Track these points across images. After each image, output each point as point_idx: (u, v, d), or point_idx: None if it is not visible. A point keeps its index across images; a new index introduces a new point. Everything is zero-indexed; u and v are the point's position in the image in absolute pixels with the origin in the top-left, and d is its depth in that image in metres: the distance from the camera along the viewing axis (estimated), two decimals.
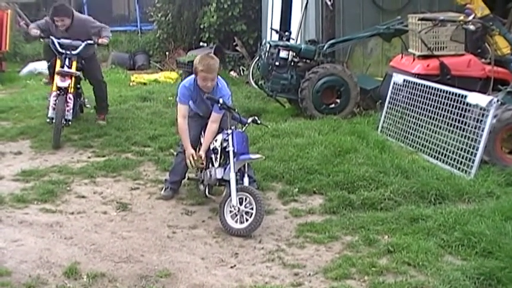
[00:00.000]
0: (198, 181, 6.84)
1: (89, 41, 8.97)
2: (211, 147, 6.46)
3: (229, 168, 6.08)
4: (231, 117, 6.40)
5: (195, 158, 6.40)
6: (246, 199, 5.93)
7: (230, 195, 5.98)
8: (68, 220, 6.13)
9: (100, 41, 9.06)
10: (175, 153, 7.09)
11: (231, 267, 5.25)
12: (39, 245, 5.50)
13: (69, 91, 8.63)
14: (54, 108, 8.52)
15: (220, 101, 6.29)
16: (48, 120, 8.66)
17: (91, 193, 6.92)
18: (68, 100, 8.59)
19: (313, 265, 5.24)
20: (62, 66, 8.67)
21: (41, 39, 9.48)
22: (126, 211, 6.45)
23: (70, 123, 8.71)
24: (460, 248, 5.36)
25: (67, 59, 8.72)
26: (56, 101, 8.54)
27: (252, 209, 5.85)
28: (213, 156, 6.43)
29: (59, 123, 8.39)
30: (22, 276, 4.91)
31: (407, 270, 5.01)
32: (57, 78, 8.60)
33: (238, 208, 5.91)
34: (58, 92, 8.57)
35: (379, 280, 4.88)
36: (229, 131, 6.25)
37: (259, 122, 6.87)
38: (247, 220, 5.85)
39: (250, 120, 6.68)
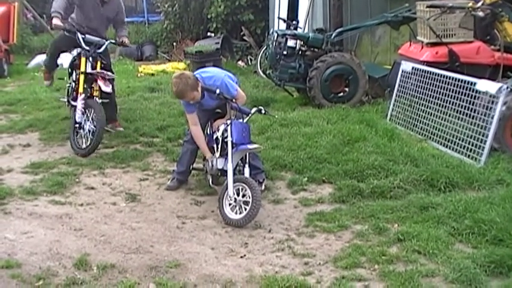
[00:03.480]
0: (202, 171, 6.85)
1: (112, 41, 8.67)
2: (214, 137, 6.46)
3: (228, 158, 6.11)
4: (229, 107, 6.39)
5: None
6: (242, 189, 5.92)
7: (227, 186, 6.00)
8: (78, 212, 6.14)
9: (123, 40, 8.74)
10: (182, 143, 7.06)
11: (241, 257, 5.25)
12: (49, 236, 5.51)
13: (95, 94, 8.09)
14: (83, 113, 7.92)
15: (217, 91, 6.27)
16: (76, 125, 7.94)
17: (100, 184, 6.92)
18: (97, 103, 8.04)
19: (323, 254, 5.23)
20: (89, 67, 8.07)
21: (65, 32, 8.40)
22: (135, 202, 6.45)
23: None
24: (471, 236, 5.34)
25: (91, 58, 8.14)
26: (84, 104, 7.95)
27: (249, 198, 5.85)
28: (214, 145, 6.43)
29: (102, 127, 7.78)
30: (32, 268, 4.91)
31: (417, 259, 5.00)
32: (99, 81, 8.01)
33: (235, 199, 5.91)
34: (85, 94, 8.00)
35: (389, 269, 4.86)
36: (229, 121, 6.24)
37: (263, 111, 6.72)
38: (245, 210, 5.85)
39: (253, 110, 6.62)
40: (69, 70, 8.62)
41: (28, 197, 6.43)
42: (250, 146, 6.22)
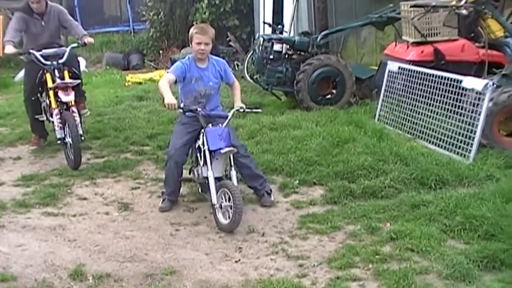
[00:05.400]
0: (190, 181, 6.82)
1: (73, 45, 8.47)
2: (196, 146, 6.41)
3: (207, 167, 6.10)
4: (201, 116, 6.26)
5: (172, 107, 6.17)
6: (226, 194, 5.89)
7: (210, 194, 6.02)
8: (71, 222, 6.15)
9: (87, 40, 8.47)
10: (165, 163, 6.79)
11: (236, 261, 5.27)
12: (43, 248, 5.52)
13: (71, 104, 7.93)
14: (61, 128, 7.89)
15: (181, 107, 6.27)
16: (58, 141, 7.98)
17: (92, 194, 6.93)
18: (74, 114, 7.90)
19: (317, 256, 5.26)
20: (54, 80, 7.92)
21: (21, 56, 8.52)
22: (128, 211, 6.47)
23: (84, 138, 8.11)
24: (462, 232, 5.39)
25: (56, 70, 7.98)
26: (60, 118, 7.91)
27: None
28: (198, 154, 6.39)
29: (77, 142, 7.61)
30: (28, 280, 4.93)
31: (411, 257, 5.04)
32: (59, 93, 7.85)
33: (220, 205, 5.92)
34: (59, 108, 7.94)
35: (383, 267, 4.90)
36: (203, 130, 6.20)
37: (243, 110, 6.52)
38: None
39: (232, 111, 6.44)
40: (40, 89, 8.42)
41: (21, 210, 6.44)
42: (222, 151, 6.01)
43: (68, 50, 8.22)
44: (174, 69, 6.47)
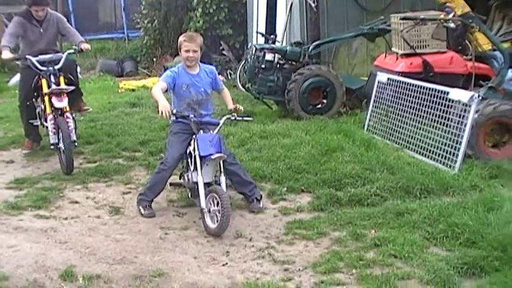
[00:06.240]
0: (180, 186, 6.93)
1: (70, 51, 8.51)
2: (187, 152, 6.50)
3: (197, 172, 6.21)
4: (193, 122, 6.39)
5: (167, 114, 6.25)
6: (215, 199, 5.99)
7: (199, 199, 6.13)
8: (62, 225, 6.24)
9: (83, 47, 8.52)
10: (155, 170, 6.81)
11: (223, 265, 5.37)
12: (35, 249, 5.60)
13: (66, 110, 8.00)
14: (55, 133, 7.95)
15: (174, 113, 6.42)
16: (52, 147, 8.07)
17: (84, 198, 7.03)
18: (68, 119, 7.98)
19: (303, 260, 5.37)
20: (50, 86, 7.99)
21: (17, 62, 8.60)
22: (118, 215, 6.56)
23: (76, 144, 8.16)
24: (445, 239, 5.52)
25: (52, 76, 8.06)
26: (54, 124, 7.97)
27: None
28: (189, 160, 6.48)
29: (69, 148, 7.70)
30: (19, 280, 5.01)
31: (393, 262, 5.17)
32: (53, 99, 7.92)
33: (209, 209, 6.01)
34: (54, 113, 8.01)
35: (366, 273, 5.02)
36: (194, 136, 6.32)
37: (235, 118, 6.61)
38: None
39: (223, 119, 6.55)
40: (35, 93, 8.48)
41: (13, 212, 6.53)
42: (212, 157, 6.11)
43: (64, 56, 8.29)
44: (164, 77, 6.64)
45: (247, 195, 6.68)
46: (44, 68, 8.08)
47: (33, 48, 8.42)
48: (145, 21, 16.98)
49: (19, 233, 6.00)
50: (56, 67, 8.11)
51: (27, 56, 8.15)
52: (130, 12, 19.16)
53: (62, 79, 8.15)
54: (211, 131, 6.38)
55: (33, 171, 7.98)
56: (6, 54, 8.19)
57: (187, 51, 6.54)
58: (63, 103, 7.97)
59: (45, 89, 8.05)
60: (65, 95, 8.03)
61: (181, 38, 6.65)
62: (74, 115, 8.33)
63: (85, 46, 8.62)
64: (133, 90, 13.73)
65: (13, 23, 8.52)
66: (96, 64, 17.24)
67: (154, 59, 16.79)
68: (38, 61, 8.10)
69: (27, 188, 7.28)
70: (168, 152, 6.65)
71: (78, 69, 10.14)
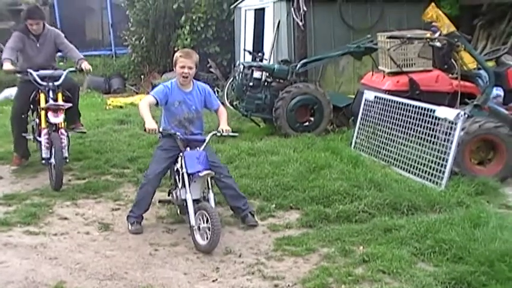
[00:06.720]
0: (169, 203, 6.96)
1: (70, 69, 8.59)
2: (175, 169, 6.54)
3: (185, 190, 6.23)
4: (179, 139, 6.43)
5: (152, 132, 6.34)
6: (204, 216, 6.00)
7: (189, 216, 6.15)
8: (52, 241, 6.24)
9: (84, 66, 8.62)
10: (139, 186, 6.86)
11: (213, 281, 5.39)
12: (25, 266, 5.61)
13: (61, 126, 8.05)
14: (48, 148, 7.98)
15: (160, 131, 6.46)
16: (43, 161, 8.07)
17: (73, 215, 7.04)
18: (62, 136, 8.00)
19: (292, 276, 5.40)
20: (47, 101, 8.09)
21: (18, 75, 8.68)
22: (108, 231, 6.57)
23: (68, 160, 8.14)
24: (432, 255, 5.57)
25: (50, 92, 8.14)
26: (48, 139, 7.98)
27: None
28: (177, 177, 6.51)
29: (61, 163, 7.73)
30: None
31: (382, 278, 5.20)
32: (49, 114, 7.98)
33: (199, 226, 6.03)
34: (48, 129, 8.04)
35: None
36: (181, 153, 6.34)
37: (221, 134, 6.59)
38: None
39: (209, 135, 6.53)
40: (31, 106, 8.59)
41: (2, 228, 6.52)
42: (200, 174, 6.12)
43: (64, 73, 8.36)
44: (156, 91, 6.63)
45: (241, 209, 6.67)
46: (44, 83, 8.18)
47: (31, 62, 8.51)
48: (133, 39, 17.07)
49: (8, 249, 6.00)
50: (56, 83, 8.20)
51: (29, 70, 8.25)
52: (118, 29, 19.24)
53: (60, 95, 8.23)
54: (198, 148, 6.40)
55: (22, 187, 7.99)
56: (8, 66, 8.31)
57: (183, 67, 6.54)
58: (58, 119, 8.02)
59: (42, 104, 8.12)
60: (62, 111, 8.09)
61: (177, 54, 6.67)
62: (68, 133, 8.35)
63: (86, 66, 8.68)
64: (121, 107, 13.80)
65: (13, 38, 8.60)
66: (84, 81, 17.25)
67: (142, 76, 16.88)
68: (38, 75, 8.21)
69: (16, 204, 7.28)
70: (151, 166, 6.66)
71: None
